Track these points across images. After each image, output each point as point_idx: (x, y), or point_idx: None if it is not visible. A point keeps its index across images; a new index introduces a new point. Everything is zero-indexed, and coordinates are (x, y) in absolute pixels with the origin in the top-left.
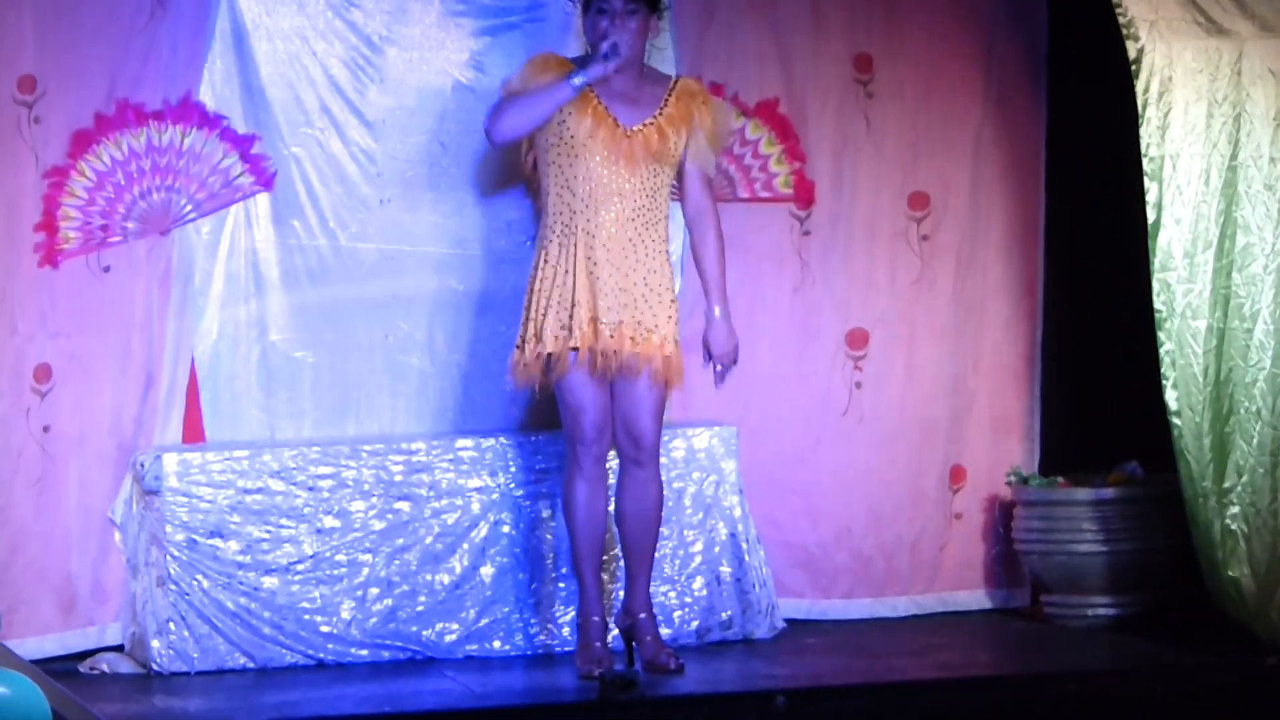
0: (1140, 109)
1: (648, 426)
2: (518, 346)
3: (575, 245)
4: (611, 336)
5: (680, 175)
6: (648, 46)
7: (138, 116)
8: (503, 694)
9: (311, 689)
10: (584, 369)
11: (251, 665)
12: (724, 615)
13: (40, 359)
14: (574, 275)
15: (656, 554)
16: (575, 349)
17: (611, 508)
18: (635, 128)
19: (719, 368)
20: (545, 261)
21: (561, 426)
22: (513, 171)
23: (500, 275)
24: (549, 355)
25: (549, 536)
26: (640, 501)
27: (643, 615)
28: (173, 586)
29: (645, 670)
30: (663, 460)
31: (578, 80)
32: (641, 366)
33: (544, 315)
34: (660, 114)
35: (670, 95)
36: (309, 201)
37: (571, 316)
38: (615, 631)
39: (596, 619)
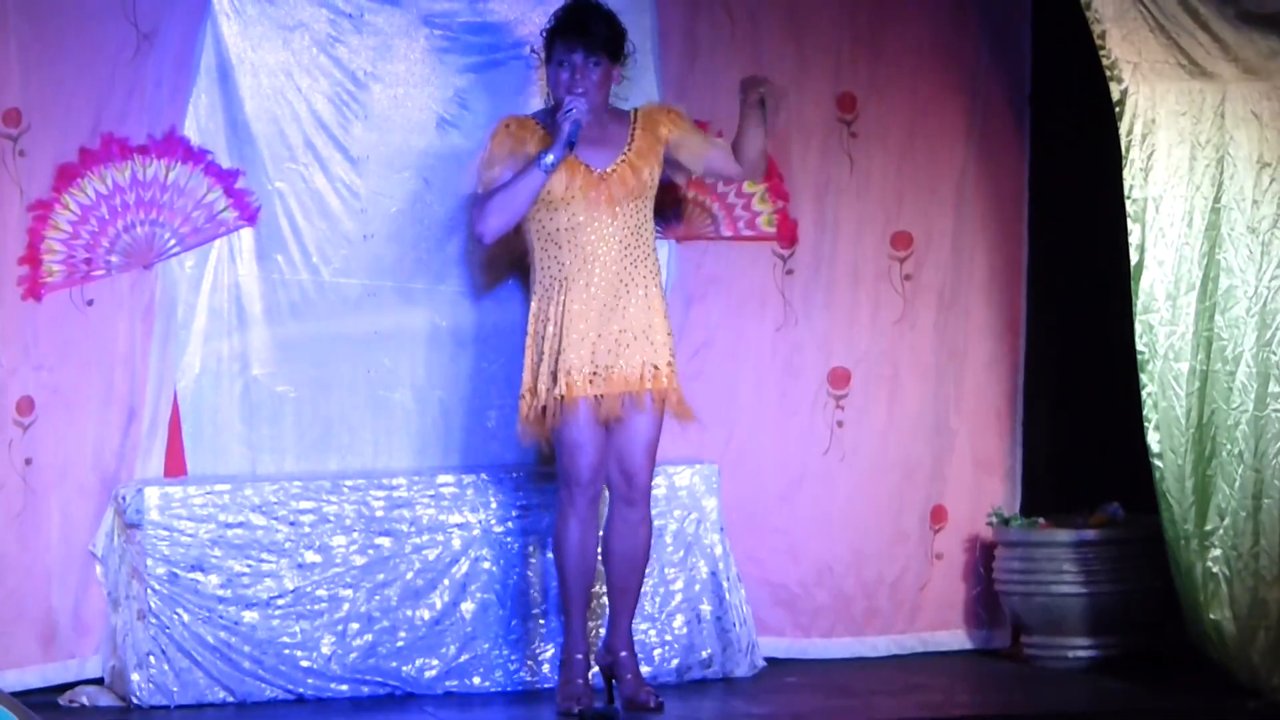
0: (1123, 151)
1: (641, 464)
2: (521, 398)
3: (565, 295)
4: (609, 379)
5: (704, 172)
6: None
7: (122, 150)
8: None
9: None
10: (583, 411)
11: (231, 700)
12: (704, 653)
13: (22, 391)
14: (562, 325)
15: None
16: (563, 397)
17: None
18: (608, 169)
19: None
20: (537, 314)
21: (556, 464)
22: None
23: (483, 311)
24: (543, 408)
25: (530, 573)
26: (629, 540)
27: (624, 653)
28: (153, 620)
29: (625, 708)
30: None
31: (549, 160)
32: (641, 403)
33: (539, 367)
34: (629, 149)
35: (634, 128)
36: (293, 236)
37: (558, 365)
38: (596, 669)
39: (580, 656)
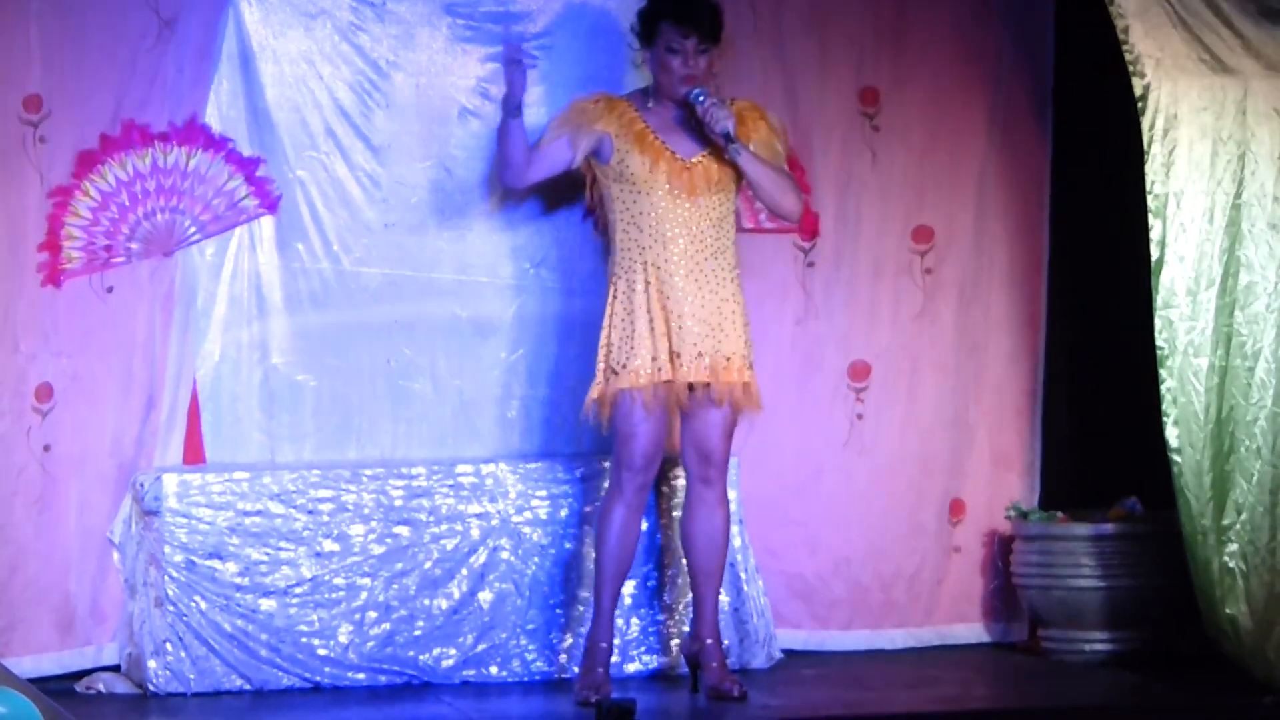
0: (1145, 146)
1: (718, 445)
2: (597, 383)
3: (645, 280)
4: (688, 369)
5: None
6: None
7: (143, 137)
8: None
9: (308, 712)
10: (642, 398)
11: (248, 687)
12: (722, 644)
13: (42, 378)
14: (648, 311)
15: (656, 582)
16: (644, 385)
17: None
18: (694, 159)
19: (702, 99)
20: (616, 297)
21: (611, 448)
22: (517, 198)
23: (504, 301)
24: (622, 390)
25: (549, 564)
26: (708, 523)
27: (709, 640)
28: (170, 607)
29: (709, 697)
30: (663, 489)
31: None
32: (721, 395)
33: (619, 351)
34: None
35: None
36: (313, 225)
37: (647, 351)
38: (617, 659)
39: (605, 645)
